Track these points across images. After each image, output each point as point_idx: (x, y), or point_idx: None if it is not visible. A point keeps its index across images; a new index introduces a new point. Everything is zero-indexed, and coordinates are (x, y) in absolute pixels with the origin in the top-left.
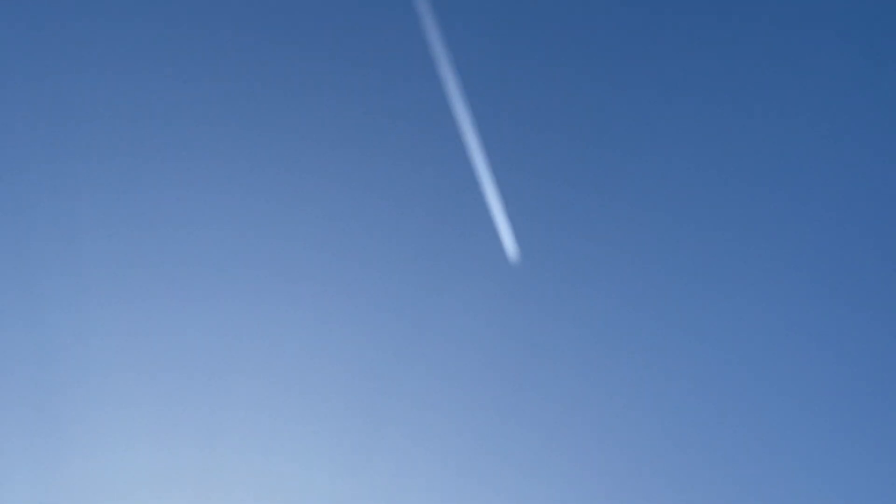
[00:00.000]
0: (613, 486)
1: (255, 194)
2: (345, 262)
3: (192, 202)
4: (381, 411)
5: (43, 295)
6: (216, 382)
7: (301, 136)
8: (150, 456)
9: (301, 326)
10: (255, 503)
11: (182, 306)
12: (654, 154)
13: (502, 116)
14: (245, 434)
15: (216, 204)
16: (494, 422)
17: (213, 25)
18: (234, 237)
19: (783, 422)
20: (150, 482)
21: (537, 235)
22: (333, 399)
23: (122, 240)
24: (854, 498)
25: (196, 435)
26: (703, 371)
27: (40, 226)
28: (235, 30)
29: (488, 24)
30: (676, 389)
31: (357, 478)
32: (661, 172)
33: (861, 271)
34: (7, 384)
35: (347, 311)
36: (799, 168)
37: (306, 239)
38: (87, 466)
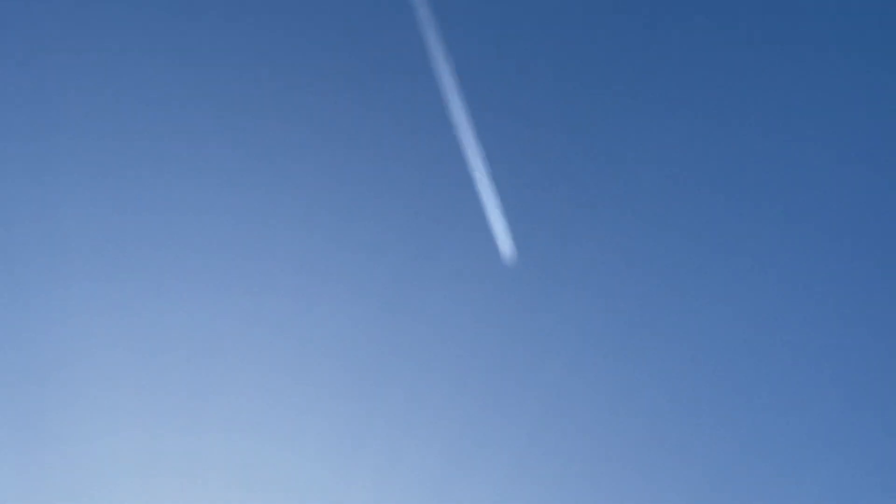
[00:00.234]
0: (607, 486)
1: (247, 190)
2: (339, 261)
3: (187, 196)
4: (373, 408)
5: (25, 284)
6: (203, 373)
7: (295, 134)
8: (136, 445)
9: (293, 323)
10: (240, 491)
11: (173, 298)
12: (650, 154)
13: (498, 115)
14: (233, 426)
15: (208, 199)
16: (489, 421)
17: (205, 19)
18: (226, 234)
19: (777, 424)
20: (137, 471)
21: (532, 235)
22: (325, 397)
23: (104, 230)
24: (854, 498)
25: (182, 424)
26: (698, 371)
27: (18, 215)
28: (229, 24)
29: (485, 22)
30: (672, 390)
31: (348, 476)
32: (657, 172)
33: (861, 270)
34: None
35: (341, 308)
36: (798, 171)
37: (301, 236)
38: (71, 455)
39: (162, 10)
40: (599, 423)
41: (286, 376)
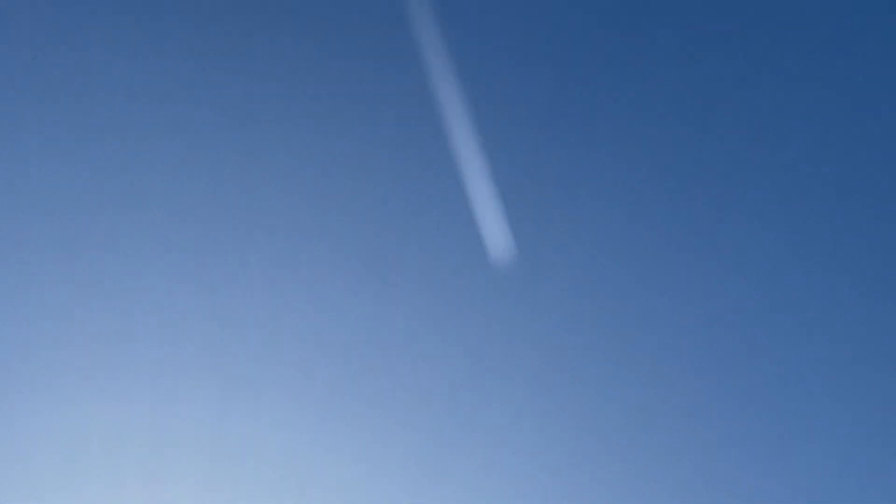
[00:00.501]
0: (605, 486)
1: (240, 189)
2: (333, 260)
3: (173, 189)
4: (366, 409)
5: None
6: (190, 374)
7: (288, 130)
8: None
9: (285, 324)
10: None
11: (159, 291)
12: (646, 154)
13: (494, 114)
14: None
15: (202, 196)
16: (482, 421)
17: (196, 15)
18: (217, 234)
19: (776, 425)
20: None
21: (528, 234)
22: (316, 398)
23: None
24: (854, 498)
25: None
26: (693, 371)
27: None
28: (222, 20)
29: (481, 19)
30: (666, 390)
31: (337, 478)
32: (652, 172)
33: (860, 269)
34: None
35: (334, 308)
36: (798, 170)
37: (292, 235)
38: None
39: (156, 7)
40: (595, 424)
41: (278, 376)
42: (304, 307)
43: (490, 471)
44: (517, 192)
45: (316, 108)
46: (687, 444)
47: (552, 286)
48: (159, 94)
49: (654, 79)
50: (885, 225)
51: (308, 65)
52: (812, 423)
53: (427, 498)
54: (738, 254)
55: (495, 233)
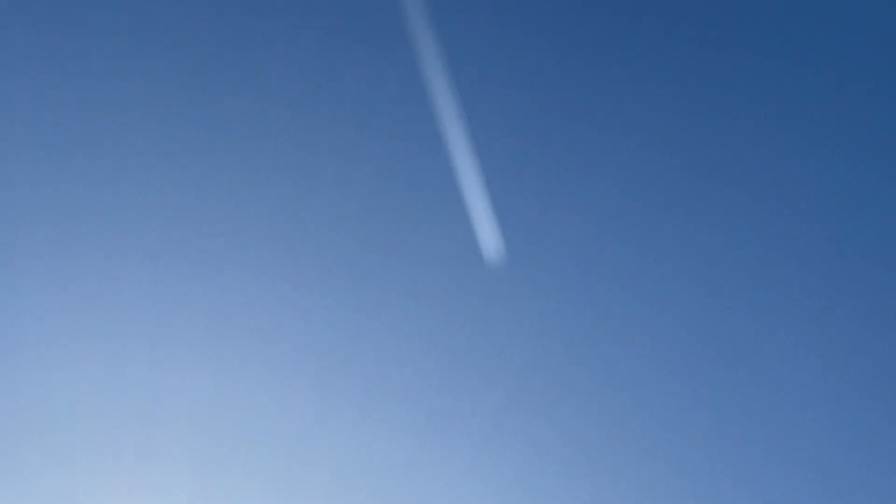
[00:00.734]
0: (601, 484)
1: (230, 188)
2: (326, 260)
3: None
4: (358, 409)
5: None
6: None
7: (278, 128)
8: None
9: (277, 324)
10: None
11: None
12: (637, 156)
13: (486, 115)
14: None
15: (199, 196)
16: (476, 421)
17: (191, 20)
18: (210, 234)
19: (775, 426)
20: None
21: (519, 236)
22: (308, 399)
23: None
24: (854, 498)
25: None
26: (683, 370)
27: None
28: (212, 18)
29: (472, 21)
30: (655, 389)
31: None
32: (644, 173)
33: (861, 270)
34: None
35: (328, 307)
36: (792, 170)
37: (285, 234)
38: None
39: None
40: (585, 422)
41: (272, 376)
42: (294, 305)
43: (477, 469)
44: (509, 193)
45: (308, 108)
46: (676, 443)
47: (543, 286)
48: (153, 92)
49: (646, 82)
50: (886, 225)
51: (300, 64)
52: (808, 423)
53: (411, 497)
54: (727, 253)
55: (487, 233)
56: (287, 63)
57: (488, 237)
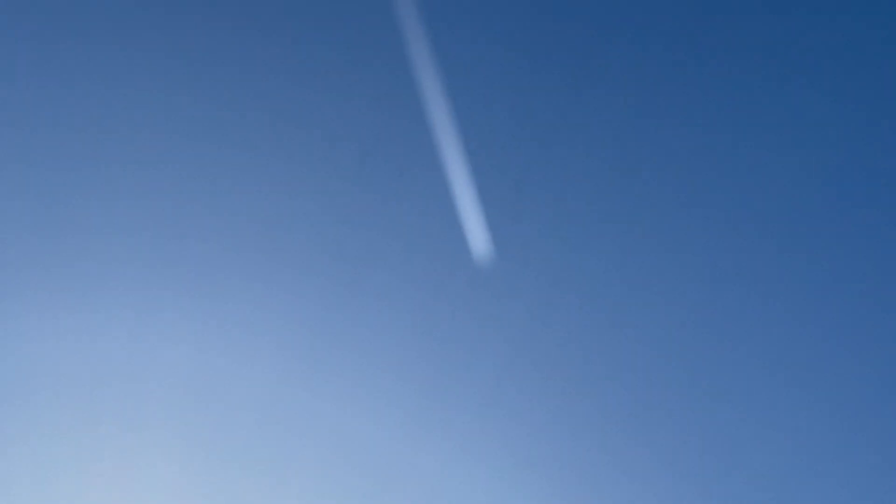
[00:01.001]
0: (599, 485)
1: (221, 190)
2: (319, 259)
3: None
4: (352, 409)
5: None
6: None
7: (269, 130)
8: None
9: (267, 322)
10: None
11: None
12: (629, 154)
13: (476, 114)
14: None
15: (197, 196)
16: (470, 421)
17: (186, 17)
18: (203, 234)
19: (774, 427)
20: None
21: (508, 234)
22: (300, 399)
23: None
24: (853, 498)
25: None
26: (677, 369)
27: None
28: (206, 19)
29: (463, 20)
30: (648, 389)
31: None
32: (636, 171)
33: (861, 269)
34: None
35: (321, 307)
36: (790, 178)
37: (277, 234)
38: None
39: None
40: (578, 422)
41: (271, 376)
42: (282, 306)
43: (467, 465)
44: (499, 191)
45: (298, 109)
46: (672, 442)
47: (534, 285)
48: (149, 92)
49: (638, 79)
50: (885, 225)
51: (291, 65)
52: (805, 423)
53: (404, 496)
54: (722, 251)
55: (477, 232)
56: (277, 65)
57: (477, 235)
